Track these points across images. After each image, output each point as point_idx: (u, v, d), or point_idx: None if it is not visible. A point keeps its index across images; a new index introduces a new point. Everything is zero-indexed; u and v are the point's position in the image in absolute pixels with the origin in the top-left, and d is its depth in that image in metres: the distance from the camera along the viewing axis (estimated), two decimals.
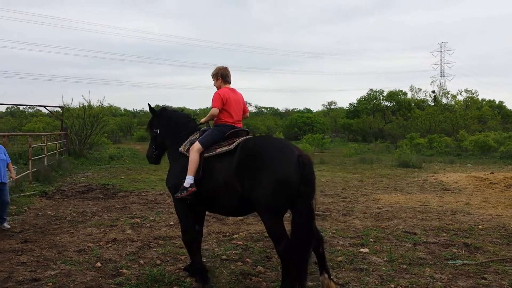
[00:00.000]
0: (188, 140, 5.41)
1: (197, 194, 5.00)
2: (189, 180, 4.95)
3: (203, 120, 5.57)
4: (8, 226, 7.74)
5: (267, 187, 4.39)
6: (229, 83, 5.62)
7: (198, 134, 5.39)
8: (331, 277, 4.82)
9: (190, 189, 4.94)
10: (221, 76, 5.58)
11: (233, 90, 5.54)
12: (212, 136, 5.18)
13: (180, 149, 5.37)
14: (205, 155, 5.03)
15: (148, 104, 6.01)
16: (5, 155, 8.01)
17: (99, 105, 26.30)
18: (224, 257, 6.25)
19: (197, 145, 5.07)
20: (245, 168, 4.58)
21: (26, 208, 9.71)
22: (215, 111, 5.32)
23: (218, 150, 4.96)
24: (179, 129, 5.65)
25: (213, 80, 5.64)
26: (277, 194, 4.38)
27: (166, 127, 5.78)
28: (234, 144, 4.86)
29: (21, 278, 5.34)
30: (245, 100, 5.74)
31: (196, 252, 5.32)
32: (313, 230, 4.53)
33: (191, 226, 5.33)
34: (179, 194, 5.03)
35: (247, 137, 5.05)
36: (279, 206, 4.48)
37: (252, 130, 52.91)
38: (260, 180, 4.44)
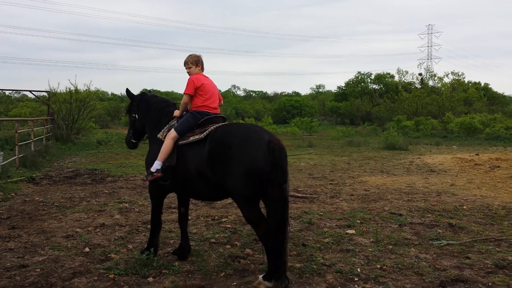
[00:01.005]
0: (167, 126, 5.43)
1: (173, 180, 5.10)
2: (156, 166, 5.11)
3: (177, 113, 5.49)
4: None
5: (238, 176, 4.46)
6: (200, 69, 5.58)
7: (176, 121, 5.41)
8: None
9: (156, 174, 5.09)
10: (201, 63, 5.57)
11: (207, 77, 5.54)
12: (187, 124, 5.20)
13: (159, 135, 5.42)
14: (179, 142, 5.08)
15: (127, 89, 6.03)
16: None
17: (86, 90, 26.01)
18: (212, 240, 6.30)
19: (172, 133, 5.14)
20: (215, 157, 4.64)
21: (13, 194, 9.64)
22: (186, 98, 5.36)
23: (191, 138, 5.01)
24: (158, 115, 5.67)
25: (191, 67, 5.53)
26: (248, 183, 4.45)
27: (145, 112, 5.79)
28: (205, 133, 4.91)
29: (8, 264, 5.33)
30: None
31: (157, 233, 5.59)
32: (288, 215, 4.58)
33: (160, 209, 5.62)
34: (145, 178, 5.26)
35: (219, 125, 5.03)
36: (251, 194, 4.53)
37: (241, 114, 52.85)
38: (230, 169, 4.50)
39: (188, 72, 5.56)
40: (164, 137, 5.25)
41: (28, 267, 5.24)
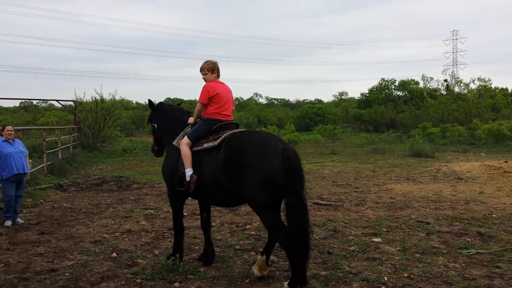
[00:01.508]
0: (181, 133, 5.53)
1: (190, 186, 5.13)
2: (188, 173, 5.12)
3: (191, 120, 5.62)
4: (22, 221, 7.85)
5: (254, 185, 4.52)
6: (215, 75, 5.57)
7: (190, 128, 5.51)
8: (268, 262, 5.11)
9: (192, 179, 5.09)
10: (217, 70, 5.57)
11: (222, 83, 5.57)
12: (199, 131, 5.29)
13: (174, 142, 5.51)
14: (194, 149, 5.15)
15: (149, 99, 6.20)
16: (23, 147, 8.15)
17: (111, 99, 26.49)
18: (237, 247, 6.31)
19: (185, 140, 5.25)
20: (231, 165, 4.69)
21: (42, 200, 9.87)
22: (199, 106, 5.47)
23: (205, 145, 5.09)
24: (172, 123, 5.79)
25: (207, 73, 5.53)
26: (264, 191, 4.50)
27: (163, 121, 5.94)
28: (219, 140, 4.98)
29: (38, 268, 5.45)
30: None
31: (181, 239, 5.66)
32: (308, 222, 4.58)
33: (180, 214, 5.66)
34: (184, 188, 5.16)
35: (233, 131, 5.07)
36: (268, 202, 4.58)
37: (263, 121, 52.90)
38: (246, 178, 4.55)
39: (204, 79, 5.58)
40: (179, 144, 5.33)
41: (58, 271, 5.35)
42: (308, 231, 4.57)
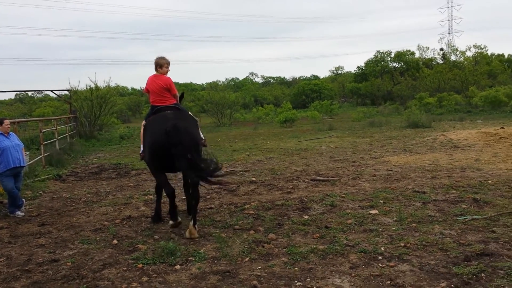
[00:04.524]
0: None
1: None
2: (141, 148, 6.76)
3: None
4: (22, 214, 7.87)
5: (147, 153, 6.19)
6: (157, 70, 6.62)
7: None
8: (195, 225, 6.01)
9: (141, 154, 6.79)
10: (157, 65, 6.61)
11: (157, 76, 6.60)
12: (148, 114, 6.68)
13: None
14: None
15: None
16: (18, 140, 8.14)
17: (106, 86, 26.42)
18: (236, 226, 6.38)
19: (143, 122, 6.64)
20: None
21: (41, 192, 9.91)
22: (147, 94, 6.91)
23: (144, 123, 6.54)
24: None
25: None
26: (153, 159, 6.16)
27: None
28: (147, 120, 6.45)
29: (40, 259, 5.50)
30: (171, 83, 6.62)
31: (159, 198, 7.06)
32: (199, 175, 5.78)
33: (159, 178, 6.70)
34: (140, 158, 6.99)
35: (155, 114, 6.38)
36: (154, 164, 6.26)
37: (259, 101, 52.81)
38: (145, 147, 6.23)
39: None
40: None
41: (60, 261, 5.41)
42: (198, 183, 5.93)
